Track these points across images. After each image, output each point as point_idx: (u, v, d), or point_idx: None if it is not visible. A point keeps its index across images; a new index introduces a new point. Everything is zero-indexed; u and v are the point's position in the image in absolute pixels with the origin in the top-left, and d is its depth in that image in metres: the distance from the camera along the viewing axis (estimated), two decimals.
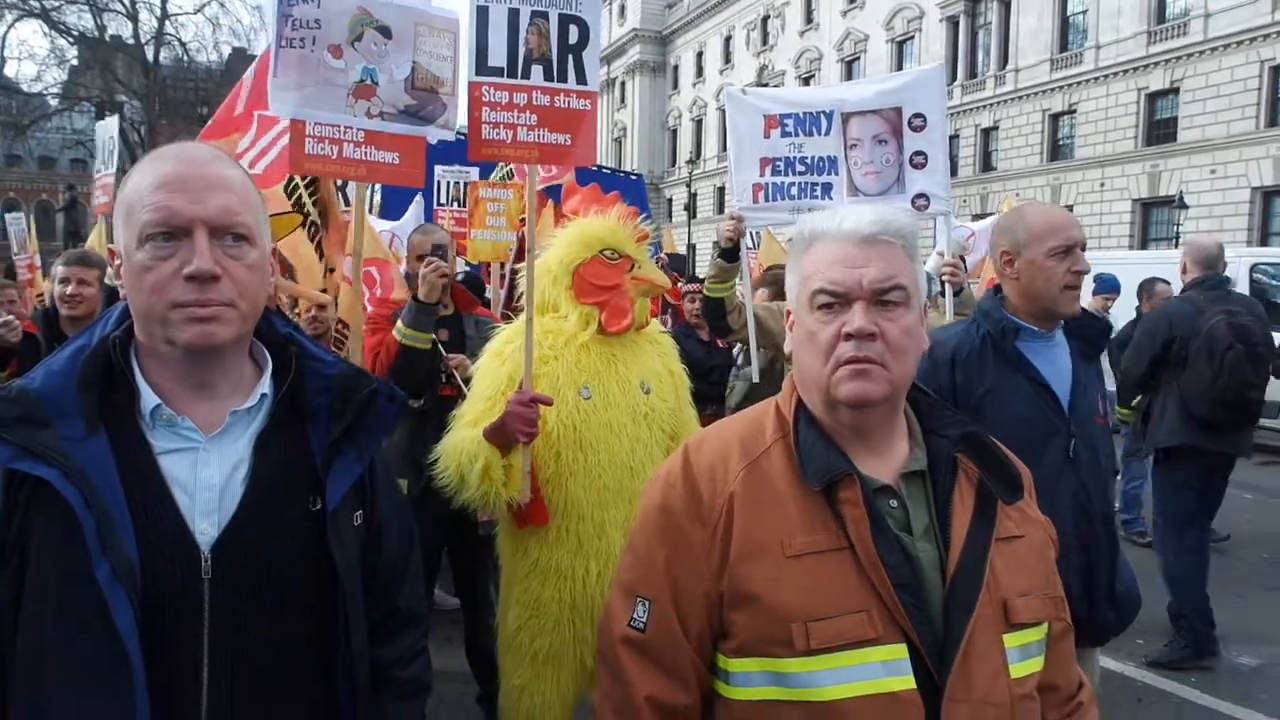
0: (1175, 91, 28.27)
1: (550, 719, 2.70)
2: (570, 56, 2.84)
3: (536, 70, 2.81)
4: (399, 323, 3.43)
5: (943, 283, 4.14)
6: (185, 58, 37.47)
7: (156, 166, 1.27)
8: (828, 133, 4.17)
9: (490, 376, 2.68)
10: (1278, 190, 25.71)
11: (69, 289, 3.90)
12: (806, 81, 44.96)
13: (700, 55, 54.74)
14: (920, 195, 4.14)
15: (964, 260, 6.86)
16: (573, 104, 2.87)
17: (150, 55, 35.74)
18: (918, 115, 4.09)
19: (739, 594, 1.26)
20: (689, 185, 44.60)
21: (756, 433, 1.37)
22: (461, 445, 2.55)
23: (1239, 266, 11.33)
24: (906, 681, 1.19)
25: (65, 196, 32.28)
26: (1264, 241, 24.87)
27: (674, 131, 57.87)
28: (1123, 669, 4.72)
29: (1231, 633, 5.22)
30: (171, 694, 1.20)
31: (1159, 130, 29.00)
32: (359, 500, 1.40)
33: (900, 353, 1.27)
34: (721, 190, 51.72)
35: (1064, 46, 31.80)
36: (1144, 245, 27.69)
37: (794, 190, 4.21)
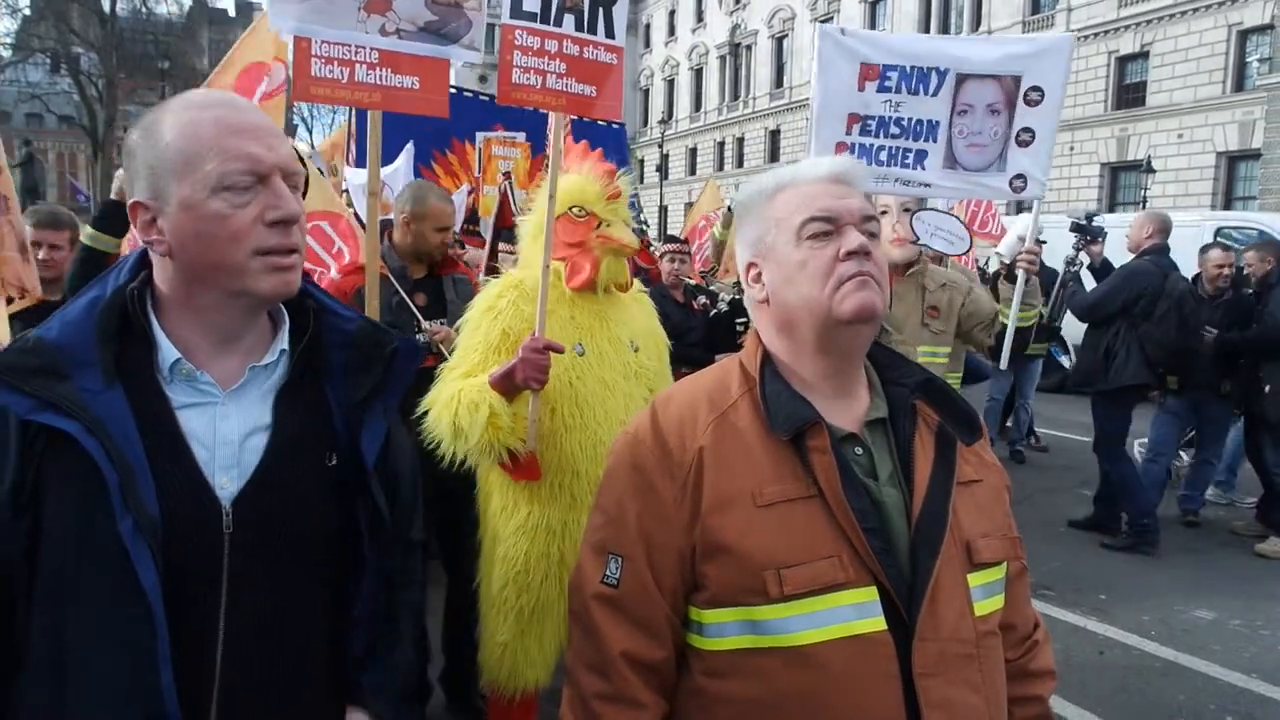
0: (1145, 55, 28.40)
1: (533, 675, 2.73)
2: (601, 9, 2.82)
3: (569, 19, 2.78)
4: None
5: (1010, 269, 3.68)
6: (144, 9, 36.41)
7: (214, 114, 1.24)
8: (936, 93, 3.64)
9: (483, 331, 2.64)
10: (1242, 155, 26.01)
11: (41, 254, 3.79)
12: (780, 42, 44.64)
13: (672, 13, 54.08)
14: (1019, 176, 3.71)
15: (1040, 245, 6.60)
16: (601, 56, 2.84)
17: (106, 5, 34.65)
18: (1036, 88, 3.63)
19: (711, 545, 1.28)
20: (661, 146, 44.36)
21: (722, 388, 1.39)
22: (459, 395, 2.50)
23: (1204, 231, 11.49)
24: (877, 623, 1.22)
25: (21, 152, 31.49)
26: (1227, 205, 25.20)
27: (646, 91, 57.33)
28: (1084, 623, 4.84)
29: (1188, 588, 5.37)
30: (187, 647, 1.20)
31: (1128, 94, 29.15)
32: (381, 446, 1.42)
33: (883, 276, 1.33)
34: (694, 151, 51.46)
35: (1036, 8, 31.76)
36: (1111, 209, 27.97)
37: (883, 155, 3.70)
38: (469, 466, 2.63)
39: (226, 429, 1.26)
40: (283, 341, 1.33)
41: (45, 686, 1.18)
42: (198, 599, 1.22)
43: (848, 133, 3.70)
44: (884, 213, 3.66)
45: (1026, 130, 3.66)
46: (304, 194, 2.71)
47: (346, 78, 2.60)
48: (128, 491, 1.15)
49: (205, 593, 1.22)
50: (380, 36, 2.61)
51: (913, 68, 3.65)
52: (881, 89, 3.66)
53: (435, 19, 2.68)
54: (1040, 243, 3.96)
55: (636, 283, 3.05)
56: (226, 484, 1.24)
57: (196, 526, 1.21)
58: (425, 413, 2.56)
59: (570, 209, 2.69)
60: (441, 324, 3.39)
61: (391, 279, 3.34)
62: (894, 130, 3.68)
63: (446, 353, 3.11)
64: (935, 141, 3.69)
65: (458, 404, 2.48)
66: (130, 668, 1.16)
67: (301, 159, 2.38)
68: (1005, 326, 3.56)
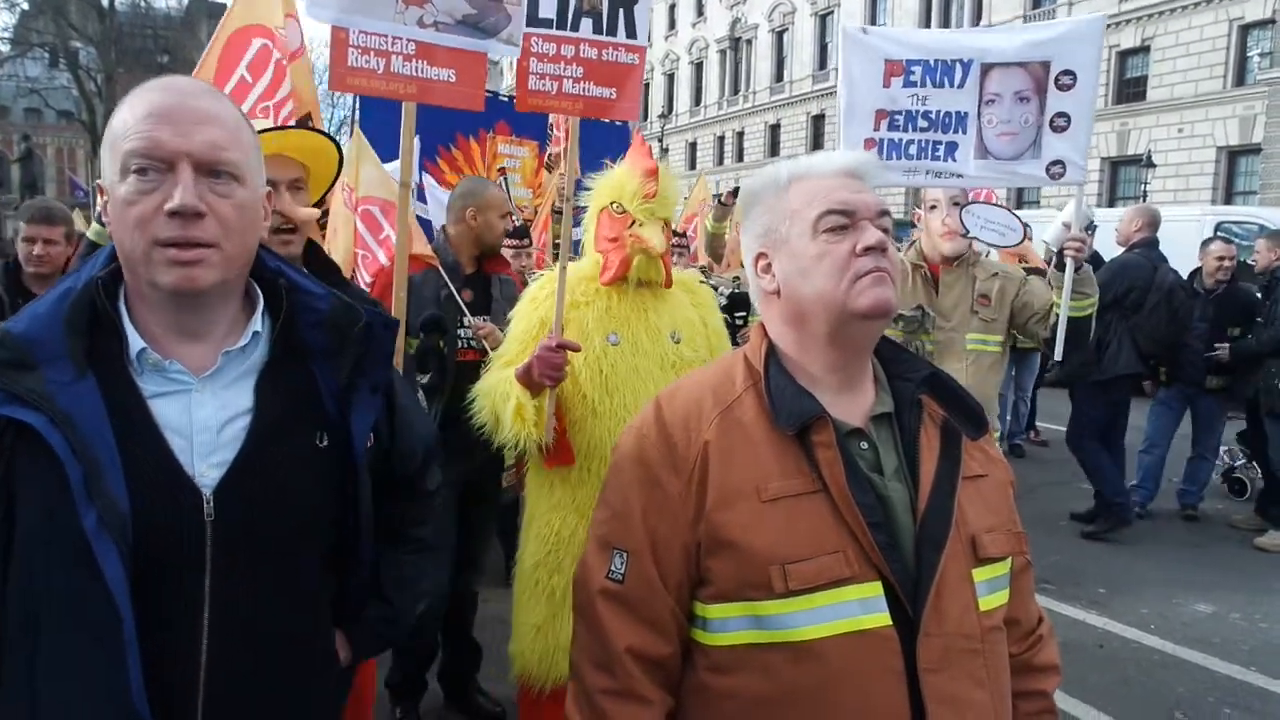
0: (1146, 50, 28.36)
1: (564, 664, 2.72)
2: (621, 10, 2.83)
3: (586, 23, 2.79)
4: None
5: (1061, 257, 3.58)
6: (143, 3, 36.35)
7: (145, 97, 1.22)
8: (962, 85, 3.64)
9: (525, 320, 2.76)
10: (1242, 150, 25.98)
11: (35, 249, 3.80)
12: (780, 36, 44.52)
13: (673, 7, 53.93)
14: (1056, 162, 3.65)
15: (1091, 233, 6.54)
16: (620, 58, 2.85)
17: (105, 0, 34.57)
18: (1067, 72, 3.56)
19: (716, 541, 1.27)
20: (661, 140, 44.27)
21: (727, 382, 1.39)
22: (496, 386, 2.64)
23: (1204, 225, 11.48)
24: (882, 618, 1.22)
25: (21, 147, 31.45)
26: (1228, 200, 25.17)
27: (646, 85, 57.10)
28: (1084, 616, 4.86)
29: (1187, 582, 5.39)
30: (169, 640, 1.19)
31: (1129, 89, 29.11)
32: (372, 425, 1.41)
33: (897, 272, 1.34)
34: (694, 146, 51.37)
35: (1037, 3, 31.69)
36: (1112, 204, 27.94)
37: (913, 149, 3.71)
38: (513, 453, 2.72)
39: (203, 416, 1.24)
40: (256, 324, 1.31)
41: (21, 684, 1.18)
42: (179, 591, 1.20)
43: (876, 129, 3.71)
44: (933, 207, 3.67)
45: (1061, 115, 3.61)
46: (329, 183, 2.65)
47: (382, 68, 2.56)
48: (92, 485, 1.13)
49: (187, 584, 1.20)
50: (418, 28, 2.58)
51: (936, 61, 3.66)
52: (907, 84, 3.67)
53: (474, 12, 2.65)
54: (1090, 229, 3.86)
55: (694, 273, 3.10)
56: (207, 472, 1.22)
57: (173, 517, 1.19)
58: (473, 401, 2.71)
59: (610, 204, 2.72)
60: (485, 320, 3.43)
61: (442, 273, 3.37)
62: (922, 124, 3.69)
63: (490, 349, 3.18)
64: (965, 133, 3.69)
65: (495, 394, 2.62)
66: (100, 665, 1.15)
67: (338, 145, 2.39)
68: (1058, 318, 3.52)
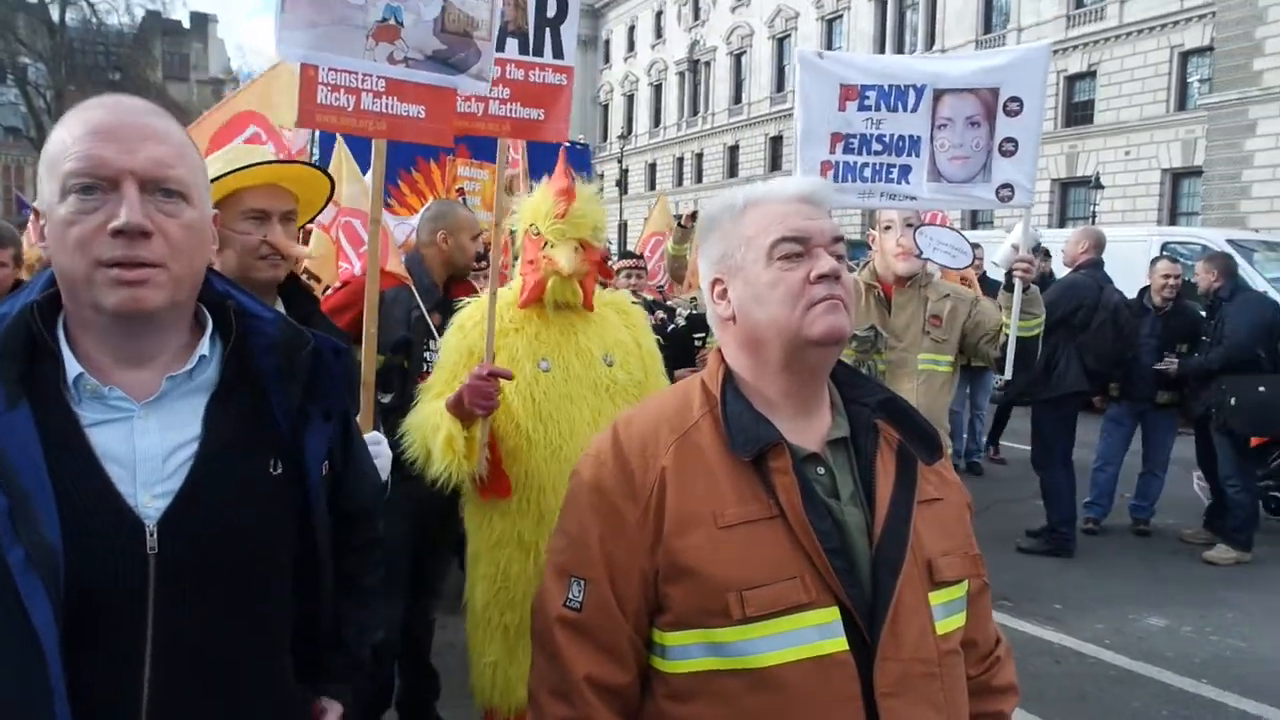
0: (1092, 75, 29.18)
1: (523, 691, 2.69)
2: (548, 30, 2.80)
3: (512, 44, 2.75)
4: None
5: (1009, 278, 3.62)
6: (94, 19, 35.81)
7: (83, 115, 1.18)
8: (915, 109, 3.72)
9: (454, 350, 2.70)
10: (1185, 172, 26.76)
11: None
12: (738, 59, 45.10)
13: (632, 29, 54.43)
14: (1005, 185, 3.76)
15: (1040, 254, 6.65)
16: (548, 78, 2.82)
17: (55, 15, 34.02)
18: (1015, 99, 3.67)
19: (674, 567, 1.27)
20: (620, 161, 44.54)
21: (684, 408, 1.38)
22: (427, 418, 2.58)
23: (1151, 245, 11.78)
24: (839, 644, 1.22)
25: None
26: (1172, 221, 25.89)
27: (605, 106, 57.56)
28: (1041, 632, 4.91)
29: (1140, 597, 5.48)
30: (108, 674, 1.15)
31: (1077, 112, 29.91)
32: (326, 452, 1.38)
33: (850, 298, 1.34)
34: (653, 167, 51.69)
35: (988, 28, 32.49)
36: (1062, 224, 28.60)
37: (867, 172, 3.77)
38: (446, 489, 2.63)
39: (147, 444, 1.19)
40: (203, 347, 1.26)
41: None
42: (119, 623, 1.15)
43: (831, 151, 3.78)
44: (888, 228, 3.72)
45: (1009, 140, 3.72)
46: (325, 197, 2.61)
47: (352, 106, 2.52)
48: (19, 519, 1.08)
49: (128, 619, 1.16)
50: (388, 65, 2.55)
51: (890, 86, 3.74)
52: (862, 108, 3.75)
53: (444, 48, 2.61)
54: (1038, 250, 3.97)
55: (625, 294, 3.10)
56: (151, 503, 1.17)
57: (112, 550, 1.14)
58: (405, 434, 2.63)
59: (529, 227, 2.70)
60: None
61: (415, 294, 3.32)
62: (876, 147, 3.75)
63: None
64: (918, 156, 3.76)
65: (426, 426, 2.55)
66: (25, 710, 1.10)
67: (330, 178, 2.37)
68: (1007, 337, 3.60)
